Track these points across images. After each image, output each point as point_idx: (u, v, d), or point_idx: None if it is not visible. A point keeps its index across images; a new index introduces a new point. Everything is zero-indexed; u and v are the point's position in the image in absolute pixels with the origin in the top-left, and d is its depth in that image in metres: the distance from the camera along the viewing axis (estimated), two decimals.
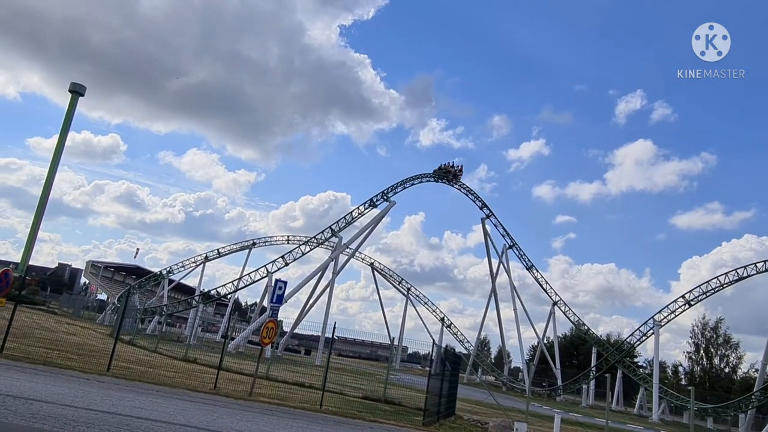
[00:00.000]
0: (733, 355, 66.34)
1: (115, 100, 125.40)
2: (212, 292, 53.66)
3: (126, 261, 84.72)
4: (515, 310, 59.07)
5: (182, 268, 59.58)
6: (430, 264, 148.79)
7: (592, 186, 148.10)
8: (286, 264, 48.91)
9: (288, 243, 58.15)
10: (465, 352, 59.86)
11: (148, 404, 9.35)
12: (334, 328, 16.13)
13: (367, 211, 50.90)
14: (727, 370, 66.01)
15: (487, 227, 59.10)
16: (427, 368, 16.17)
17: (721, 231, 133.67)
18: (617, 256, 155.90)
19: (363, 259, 66.47)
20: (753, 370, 56.71)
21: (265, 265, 49.70)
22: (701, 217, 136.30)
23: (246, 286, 51.59)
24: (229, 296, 56.29)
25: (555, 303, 58.55)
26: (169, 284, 60.38)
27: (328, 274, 49.94)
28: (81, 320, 41.56)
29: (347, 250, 53.24)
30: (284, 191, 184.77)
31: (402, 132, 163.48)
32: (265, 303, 46.43)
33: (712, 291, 46.83)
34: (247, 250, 59.61)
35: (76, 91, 29.10)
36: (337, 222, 50.42)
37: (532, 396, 44.74)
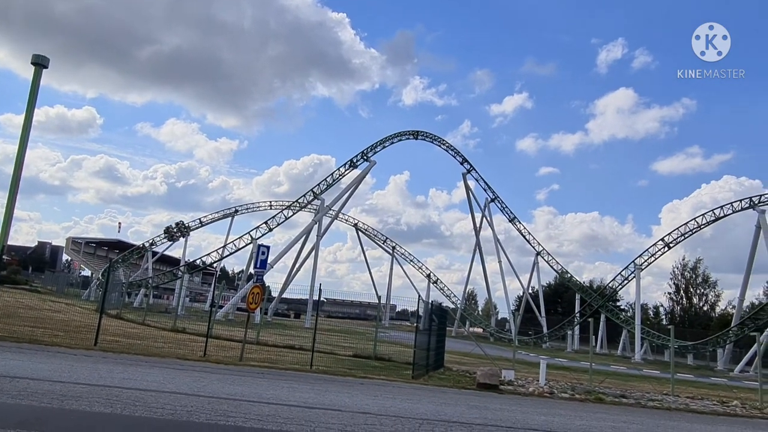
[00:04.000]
0: (712, 293, 68.77)
1: (87, 72, 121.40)
2: (197, 261, 53.59)
3: (109, 236, 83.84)
4: (500, 262, 60.11)
5: (165, 240, 59.24)
6: (416, 222, 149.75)
7: (575, 137, 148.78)
8: (270, 229, 48.81)
9: (271, 208, 57.91)
10: (452, 306, 60.97)
11: (137, 375, 9.36)
12: (320, 289, 16.24)
13: (347, 172, 50.70)
14: (705, 308, 68.42)
15: (469, 182, 59.44)
16: (416, 324, 16.44)
17: (701, 174, 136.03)
18: (600, 205, 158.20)
19: (347, 221, 66.65)
20: (730, 306, 58.84)
21: (249, 232, 49.59)
22: (682, 162, 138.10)
23: (231, 254, 51.65)
24: (214, 265, 56.21)
25: (538, 253, 59.51)
26: (153, 256, 60.03)
27: (313, 236, 50.04)
28: (66, 297, 41.27)
29: (330, 212, 53.17)
30: (268, 157, 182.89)
31: (384, 92, 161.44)
32: (251, 269, 46.45)
33: (690, 233, 47.92)
34: (230, 218, 59.32)
35: (39, 63, 27.79)
36: (319, 185, 50.18)
37: (518, 345, 45.82)
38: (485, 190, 59.31)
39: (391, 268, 67.49)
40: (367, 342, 21.76)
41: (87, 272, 72.07)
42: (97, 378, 8.50)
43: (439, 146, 57.31)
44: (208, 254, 53.78)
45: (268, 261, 34.66)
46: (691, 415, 12.27)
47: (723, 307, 65.90)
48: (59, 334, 14.89)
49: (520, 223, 59.65)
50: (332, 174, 50.81)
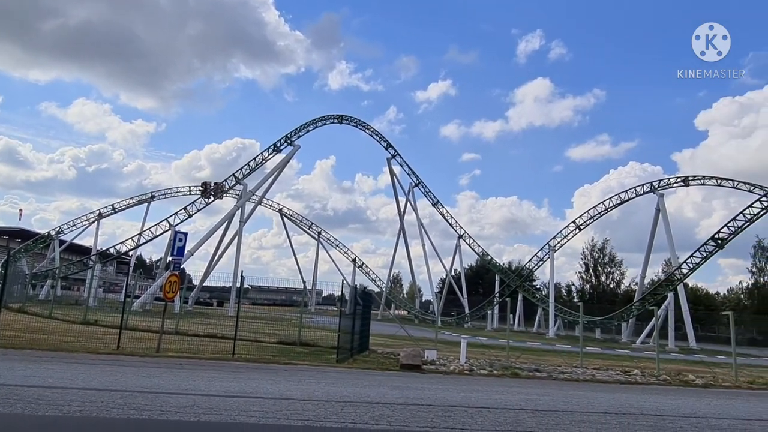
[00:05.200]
0: (617, 271, 73.96)
1: None
2: (111, 250, 50.81)
3: (9, 224, 77.41)
4: (424, 246, 61.45)
5: (74, 228, 55.74)
6: (342, 207, 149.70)
7: (496, 124, 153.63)
8: (190, 216, 47.10)
9: (191, 194, 55.69)
10: (378, 289, 61.66)
11: (42, 372, 8.78)
12: (242, 276, 15.89)
13: (271, 156, 49.67)
14: (612, 285, 73.44)
15: (394, 167, 60.05)
16: (340, 308, 16.50)
17: (609, 160, 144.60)
18: (519, 189, 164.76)
19: (271, 206, 65.52)
20: (633, 283, 63.35)
21: (166, 218, 47.55)
22: (592, 149, 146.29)
23: (147, 241, 49.35)
24: (130, 253, 53.53)
25: (460, 236, 61.26)
26: (61, 245, 56.28)
27: (236, 222, 48.73)
28: None
29: (254, 197, 51.98)
30: (188, 140, 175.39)
31: (310, 75, 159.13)
32: (169, 257, 44.74)
33: (599, 215, 51.05)
34: (146, 204, 56.56)
35: None
36: (241, 169, 48.84)
37: (441, 325, 47.24)
38: (410, 175, 60.21)
39: (317, 254, 67.28)
40: (293, 328, 21.58)
41: None
42: None
43: (364, 131, 57.45)
44: (123, 242, 51.11)
45: (187, 248, 33.45)
46: (596, 384, 13.18)
47: (627, 284, 71.06)
48: None
49: (443, 207, 61.13)
50: (255, 158, 49.61)
